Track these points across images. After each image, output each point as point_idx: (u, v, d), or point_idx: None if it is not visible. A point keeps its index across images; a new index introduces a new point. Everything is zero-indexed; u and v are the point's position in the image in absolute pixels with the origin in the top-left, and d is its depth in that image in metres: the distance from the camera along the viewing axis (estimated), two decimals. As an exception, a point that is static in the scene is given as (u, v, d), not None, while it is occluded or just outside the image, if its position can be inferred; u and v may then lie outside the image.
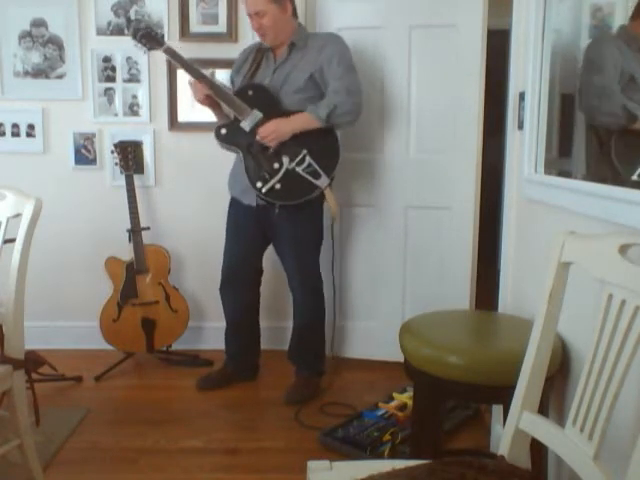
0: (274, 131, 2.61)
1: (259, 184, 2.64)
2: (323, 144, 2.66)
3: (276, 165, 2.63)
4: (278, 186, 2.63)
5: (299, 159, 2.62)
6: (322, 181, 2.63)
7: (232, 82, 2.89)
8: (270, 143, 2.62)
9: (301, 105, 2.66)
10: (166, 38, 3.21)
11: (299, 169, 2.62)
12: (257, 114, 2.64)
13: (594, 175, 1.95)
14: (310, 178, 2.62)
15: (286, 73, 2.70)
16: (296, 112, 2.64)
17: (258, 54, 2.78)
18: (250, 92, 2.69)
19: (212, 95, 2.67)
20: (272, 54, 2.76)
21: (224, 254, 2.89)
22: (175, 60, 2.72)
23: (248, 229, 2.82)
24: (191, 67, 2.68)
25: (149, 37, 2.71)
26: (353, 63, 2.72)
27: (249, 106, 2.65)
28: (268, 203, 2.68)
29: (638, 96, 1.82)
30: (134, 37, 2.71)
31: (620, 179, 1.81)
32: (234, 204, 2.86)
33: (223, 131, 2.70)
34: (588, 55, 2.00)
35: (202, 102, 2.71)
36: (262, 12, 2.61)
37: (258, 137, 2.63)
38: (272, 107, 2.66)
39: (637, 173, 1.69)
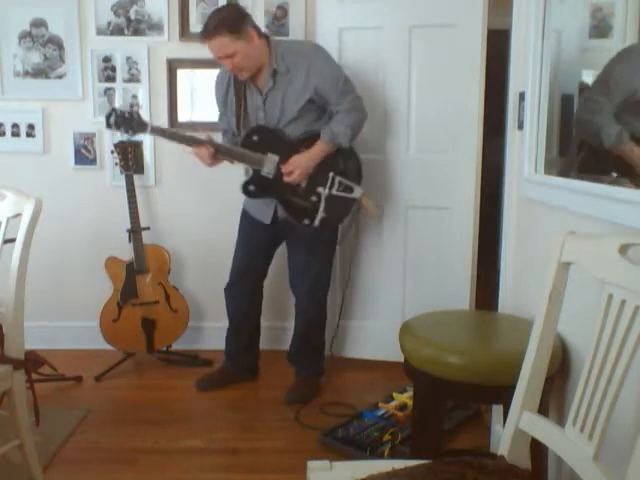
0: (300, 172, 2.61)
1: (307, 221, 2.66)
2: (344, 160, 2.70)
3: (314, 198, 2.66)
4: (324, 215, 2.66)
5: (330, 183, 2.65)
6: (357, 192, 2.69)
7: (222, 116, 2.81)
8: (298, 181, 2.63)
9: (305, 128, 2.65)
10: (166, 38, 3.23)
11: (334, 191, 2.66)
12: (273, 158, 2.62)
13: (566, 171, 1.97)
14: (346, 194, 2.67)
15: (279, 103, 2.63)
16: (306, 136, 2.63)
17: (239, 86, 2.66)
18: (255, 138, 2.63)
19: (221, 157, 2.64)
20: (253, 84, 2.65)
21: (234, 257, 2.88)
22: (166, 137, 2.67)
23: (261, 237, 2.83)
24: (187, 138, 2.63)
25: (128, 122, 2.57)
26: (344, 72, 2.68)
27: (261, 152, 2.62)
28: (323, 230, 2.72)
29: (632, 121, 1.81)
30: (108, 126, 2.58)
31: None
32: (247, 216, 2.85)
33: (252, 188, 2.67)
34: (607, 66, 1.95)
35: (214, 164, 2.65)
36: (231, 53, 2.49)
37: (286, 181, 2.61)
38: (282, 143, 2.64)
39: None
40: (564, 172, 1.99)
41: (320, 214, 2.65)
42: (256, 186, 2.67)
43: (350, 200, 2.70)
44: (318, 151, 2.63)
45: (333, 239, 2.86)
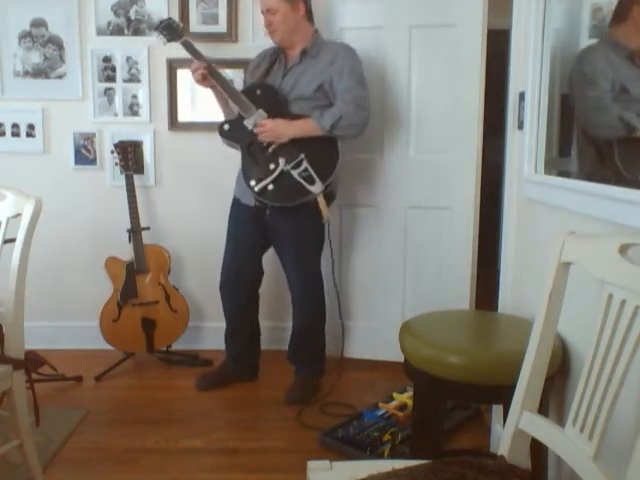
0: (271, 129, 2.62)
1: (252, 182, 2.64)
2: (322, 151, 2.66)
3: (272, 166, 2.64)
4: (271, 187, 2.63)
5: (295, 162, 2.62)
6: (316, 187, 2.62)
7: (244, 84, 2.90)
8: (265, 139, 2.63)
9: (308, 112, 2.67)
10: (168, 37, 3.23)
11: (294, 172, 2.62)
12: (262, 114, 2.65)
13: (596, 178, 1.95)
14: (304, 183, 2.62)
15: (295, 79, 2.70)
16: (299, 116, 2.65)
17: (272, 57, 2.79)
18: (258, 91, 2.70)
19: (216, 85, 2.68)
20: (284, 58, 2.77)
21: (224, 255, 2.89)
22: (190, 51, 2.72)
23: (247, 231, 2.83)
24: (203, 59, 2.69)
25: (170, 29, 2.73)
26: (364, 77, 2.73)
27: (255, 105, 2.66)
28: (261, 203, 2.68)
29: (633, 106, 1.80)
30: (156, 29, 2.76)
31: (625, 183, 1.79)
32: (235, 204, 2.86)
33: (226, 127, 2.71)
34: (579, 67, 1.99)
35: (200, 80, 2.69)
36: (273, 9, 2.64)
37: (255, 131, 2.63)
38: (278, 109, 2.67)
39: None
40: (578, 175, 1.98)
41: (266, 182, 2.62)
42: (231, 128, 2.70)
43: (303, 190, 2.62)
44: (301, 124, 2.64)
45: (318, 237, 2.83)
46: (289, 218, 2.71)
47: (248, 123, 2.65)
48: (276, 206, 2.68)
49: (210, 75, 2.67)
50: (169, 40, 2.76)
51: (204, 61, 2.68)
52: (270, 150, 2.64)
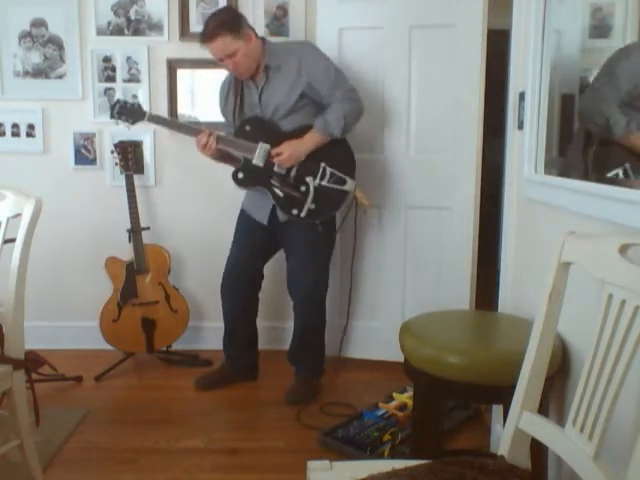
0: (290, 154, 2.62)
1: (295, 211, 2.66)
2: (337, 152, 2.69)
3: (303, 188, 2.65)
4: (313, 206, 2.65)
5: (321, 174, 2.64)
6: (349, 185, 2.68)
7: (223, 114, 2.86)
8: (287, 165, 2.63)
9: (300, 123, 2.66)
10: (166, 38, 3.23)
11: (325, 182, 2.65)
12: (264, 146, 2.64)
13: (572, 170, 1.96)
14: (338, 186, 2.65)
15: (273, 98, 2.67)
16: (300, 129, 2.64)
17: (237, 83, 2.74)
18: (247, 128, 2.68)
19: (220, 148, 2.66)
20: (250, 80, 2.71)
21: (229, 257, 2.88)
22: (164, 125, 2.74)
23: (258, 239, 2.83)
24: (186, 127, 2.69)
25: (128, 111, 2.71)
26: (337, 67, 2.71)
27: (253, 142, 2.65)
28: (311, 222, 2.69)
29: (637, 114, 1.80)
30: (112, 117, 2.73)
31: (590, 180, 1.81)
32: (246, 217, 2.86)
33: (240, 175, 2.69)
34: (611, 63, 1.95)
35: (215, 157, 2.70)
36: (231, 53, 2.57)
37: (275, 163, 2.63)
38: (274, 134, 2.67)
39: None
40: (572, 172, 1.98)
41: (308, 205, 2.64)
42: (245, 174, 2.69)
43: (341, 192, 2.67)
44: (310, 138, 2.64)
45: (330, 241, 2.85)
46: (304, 225, 2.71)
47: (257, 161, 2.64)
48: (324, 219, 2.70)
49: (218, 145, 2.64)
50: (133, 123, 2.73)
51: (201, 134, 2.62)
52: (292, 174, 2.65)
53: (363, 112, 2.73)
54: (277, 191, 2.66)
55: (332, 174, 2.65)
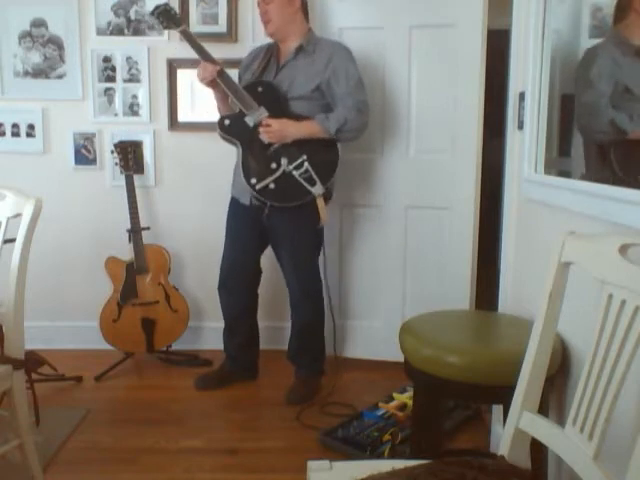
0: (278, 130, 2.61)
1: (253, 180, 2.64)
2: (323, 153, 2.67)
3: (273, 165, 2.63)
4: (272, 186, 2.63)
5: (297, 163, 2.63)
6: (316, 189, 2.63)
7: (240, 79, 2.88)
8: (270, 139, 2.62)
9: (305, 111, 2.67)
10: (166, 38, 3.23)
11: (296, 173, 2.62)
12: (264, 111, 2.64)
13: (595, 178, 1.95)
14: (305, 184, 2.62)
15: (291, 77, 2.69)
16: (303, 117, 2.65)
17: (267, 53, 2.78)
18: (260, 89, 2.69)
19: (220, 83, 2.65)
20: (277, 54, 2.76)
21: (223, 255, 2.89)
22: (190, 42, 2.71)
23: (245, 230, 2.82)
24: (205, 52, 2.68)
25: (167, 15, 2.70)
26: (362, 79, 2.72)
27: (257, 102, 2.65)
28: (259, 202, 2.68)
29: (631, 106, 1.80)
30: (152, 13, 2.73)
31: (622, 184, 1.79)
32: (233, 204, 2.86)
33: (227, 122, 2.69)
34: (582, 69, 1.98)
35: (208, 84, 2.68)
36: None
37: (261, 131, 2.62)
38: (279, 107, 2.66)
39: None
40: (593, 176, 1.97)
41: (268, 182, 2.61)
42: (232, 123, 2.68)
43: (305, 191, 2.63)
44: (305, 126, 2.64)
45: (316, 239, 2.81)
46: (287, 218, 2.71)
47: (249, 120, 2.64)
48: (275, 206, 2.68)
49: (218, 78, 2.65)
50: (165, 27, 2.76)
51: (210, 62, 2.65)
52: (272, 149, 2.64)
53: (366, 127, 2.72)
54: (249, 154, 2.66)
55: (307, 170, 2.62)
